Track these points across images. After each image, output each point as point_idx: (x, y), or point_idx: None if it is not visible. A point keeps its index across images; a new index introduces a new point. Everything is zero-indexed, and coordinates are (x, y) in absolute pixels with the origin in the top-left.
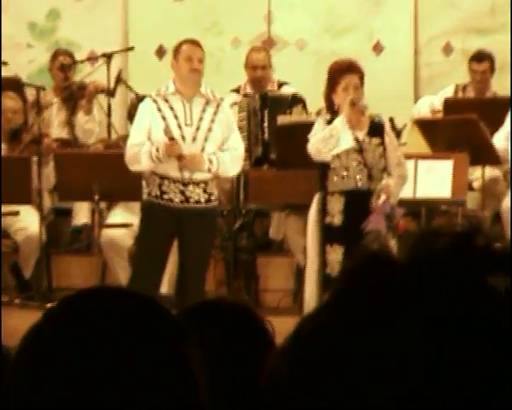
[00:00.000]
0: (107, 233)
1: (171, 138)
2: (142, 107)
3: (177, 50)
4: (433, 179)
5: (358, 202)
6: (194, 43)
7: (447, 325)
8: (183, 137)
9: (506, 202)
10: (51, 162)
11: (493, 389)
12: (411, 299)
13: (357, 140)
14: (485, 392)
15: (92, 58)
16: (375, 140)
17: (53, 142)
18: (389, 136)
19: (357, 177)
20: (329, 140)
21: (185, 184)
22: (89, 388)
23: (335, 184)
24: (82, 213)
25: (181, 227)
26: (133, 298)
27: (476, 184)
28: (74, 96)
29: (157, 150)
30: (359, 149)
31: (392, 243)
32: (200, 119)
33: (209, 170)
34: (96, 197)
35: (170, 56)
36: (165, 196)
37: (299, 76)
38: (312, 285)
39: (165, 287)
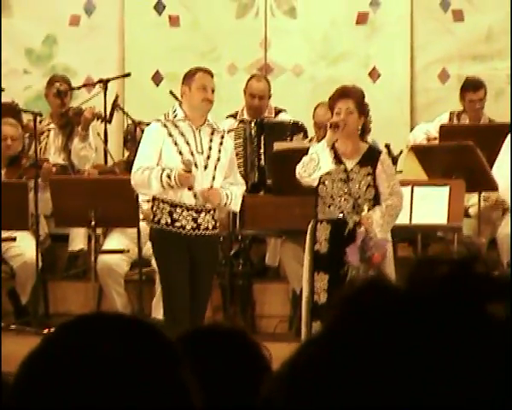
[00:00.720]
0: (104, 259)
1: (189, 171)
2: (151, 131)
3: (190, 78)
4: (429, 206)
5: (343, 231)
6: (209, 72)
7: (447, 353)
8: (196, 165)
9: (502, 229)
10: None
11: None
12: (410, 327)
13: (345, 170)
14: None
15: (89, 84)
16: (365, 170)
17: (52, 166)
18: (383, 164)
19: (343, 206)
20: (309, 164)
21: (198, 212)
22: None
23: (323, 213)
24: (78, 239)
25: (191, 254)
26: (130, 324)
27: (472, 211)
28: (71, 123)
29: (168, 177)
30: (346, 179)
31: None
32: (210, 148)
33: (225, 204)
34: (93, 223)
35: (166, 83)
36: (177, 224)
37: (296, 102)
38: (304, 313)
39: (161, 312)
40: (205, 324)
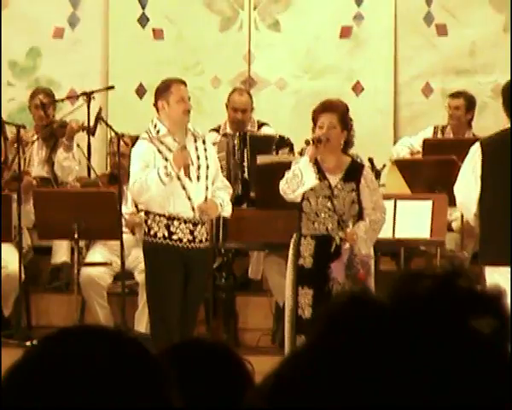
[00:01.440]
0: (87, 272)
1: (184, 147)
2: (140, 148)
3: (165, 91)
4: (412, 220)
5: (328, 247)
6: (183, 82)
7: (432, 368)
8: (190, 178)
9: None
10: (31, 200)
11: None
12: (394, 342)
13: (329, 186)
14: None
15: (72, 97)
16: (349, 186)
17: (33, 179)
18: (366, 179)
19: (328, 222)
20: (292, 180)
21: (195, 224)
22: None
23: (307, 228)
24: (61, 252)
25: (187, 266)
26: (115, 338)
27: (455, 225)
28: (55, 135)
29: (165, 168)
30: (330, 196)
31: None
32: (198, 157)
33: (219, 214)
34: (76, 236)
35: (150, 96)
36: (174, 237)
37: (279, 115)
38: (288, 326)
39: (144, 325)
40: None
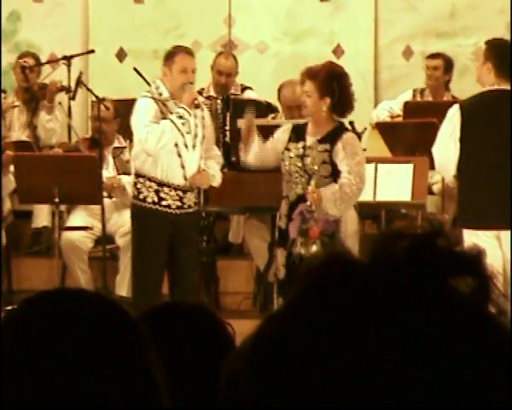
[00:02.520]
0: (67, 236)
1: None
2: (144, 103)
3: (170, 59)
4: (393, 183)
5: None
6: (189, 52)
7: (410, 325)
8: (186, 146)
9: None
10: (9, 173)
11: (455, 392)
12: (373, 300)
13: (303, 147)
14: (447, 394)
15: (53, 61)
16: (323, 146)
17: (12, 153)
18: (344, 142)
19: (299, 182)
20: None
21: (185, 192)
22: (48, 391)
23: (285, 189)
24: (42, 216)
25: (176, 231)
26: (94, 301)
27: (436, 188)
28: (36, 98)
29: (176, 113)
30: (301, 155)
31: (301, 250)
32: (196, 125)
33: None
34: (57, 200)
35: (130, 60)
36: (163, 203)
37: (260, 79)
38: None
39: (124, 290)
40: (168, 300)
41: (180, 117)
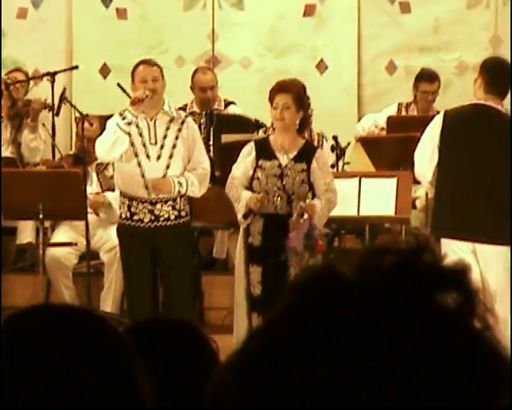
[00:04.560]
0: (52, 252)
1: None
2: (111, 119)
3: (133, 72)
4: (376, 197)
5: (276, 225)
6: (148, 62)
7: (396, 342)
8: (148, 156)
9: None
10: None
11: (442, 406)
12: (360, 316)
13: (279, 166)
14: (434, 409)
15: (36, 77)
16: (300, 166)
17: None
18: (318, 161)
19: (277, 201)
20: (231, 190)
21: (153, 204)
22: (35, 406)
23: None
24: (26, 232)
25: (155, 246)
26: (82, 316)
27: (419, 203)
28: (20, 115)
29: (123, 118)
30: (280, 175)
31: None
32: (164, 136)
33: (179, 192)
34: (41, 216)
35: (114, 76)
36: (135, 217)
37: (244, 94)
38: (239, 304)
39: (109, 305)
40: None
41: (123, 118)
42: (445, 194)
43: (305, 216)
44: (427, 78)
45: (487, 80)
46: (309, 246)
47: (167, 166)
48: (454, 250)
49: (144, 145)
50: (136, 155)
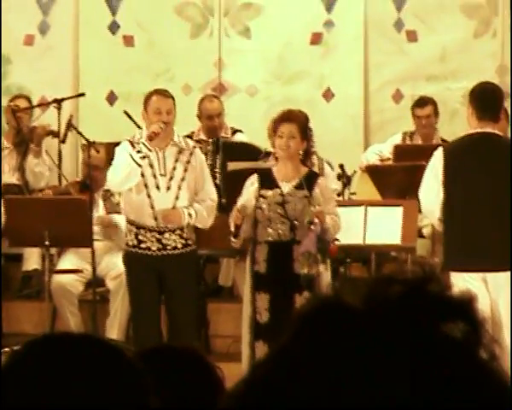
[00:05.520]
0: (58, 279)
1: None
2: (120, 147)
3: (147, 102)
4: (382, 226)
5: (281, 252)
6: (163, 94)
7: (403, 371)
8: (158, 187)
9: None
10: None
11: None
12: (367, 346)
13: (280, 194)
14: None
15: (43, 104)
16: (301, 192)
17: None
18: (321, 188)
19: (280, 228)
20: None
21: (161, 233)
22: None
23: (261, 235)
24: (32, 259)
25: (162, 274)
26: (100, 346)
27: (426, 231)
28: (25, 141)
29: (138, 151)
30: (282, 202)
31: (322, 267)
32: (174, 168)
33: (188, 223)
34: (47, 243)
35: (121, 103)
36: (143, 245)
37: (250, 122)
38: (246, 331)
39: (115, 333)
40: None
41: (138, 151)
42: (454, 227)
43: (316, 221)
44: (418, 103)
45: (478, 107)
46: (321, 248)
47: (176, 198)
48: (464, 278)
49: (154, 176)
50: (146, 186)
